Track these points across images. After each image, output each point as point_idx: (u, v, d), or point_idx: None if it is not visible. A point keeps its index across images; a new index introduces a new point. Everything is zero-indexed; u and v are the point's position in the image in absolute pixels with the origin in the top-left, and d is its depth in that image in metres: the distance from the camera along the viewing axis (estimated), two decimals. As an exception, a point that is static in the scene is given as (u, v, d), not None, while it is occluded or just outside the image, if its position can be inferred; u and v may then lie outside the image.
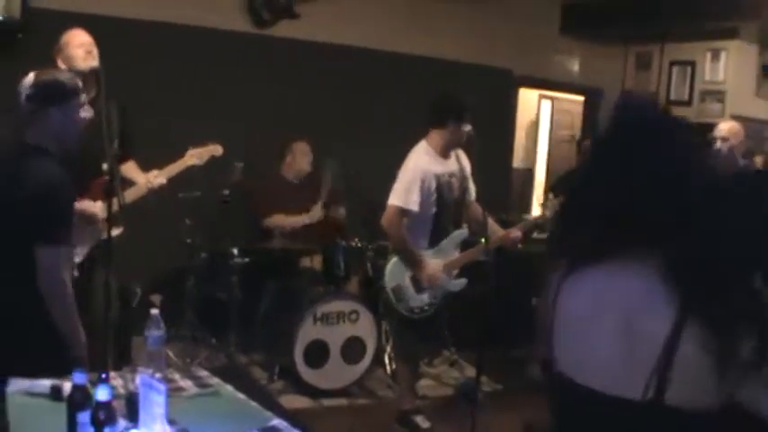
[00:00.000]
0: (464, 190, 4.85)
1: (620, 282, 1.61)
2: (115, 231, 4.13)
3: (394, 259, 4.73)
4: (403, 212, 4.59)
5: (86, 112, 3.30)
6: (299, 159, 6.28)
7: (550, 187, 5.01)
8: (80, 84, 3.29)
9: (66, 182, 3.04)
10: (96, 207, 4.24)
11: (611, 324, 1.59)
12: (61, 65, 4.31)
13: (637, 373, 1.53)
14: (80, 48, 4.28)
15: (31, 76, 3.11)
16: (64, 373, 2.47)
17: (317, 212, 6.05)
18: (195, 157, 4.79)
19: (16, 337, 2.98)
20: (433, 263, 4.69)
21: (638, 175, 1.60)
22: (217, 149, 4.90)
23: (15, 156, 3.10)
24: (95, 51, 4.32)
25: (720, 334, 1.48)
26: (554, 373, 1.73)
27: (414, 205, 4.57)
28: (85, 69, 4.24)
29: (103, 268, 3.87)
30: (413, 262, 4.68)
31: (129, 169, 4.61)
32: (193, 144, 4.82)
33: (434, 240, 4.73)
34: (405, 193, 4.59)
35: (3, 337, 2.98)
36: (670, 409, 1.51)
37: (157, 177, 4.57)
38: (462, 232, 4.81)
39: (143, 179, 4.55)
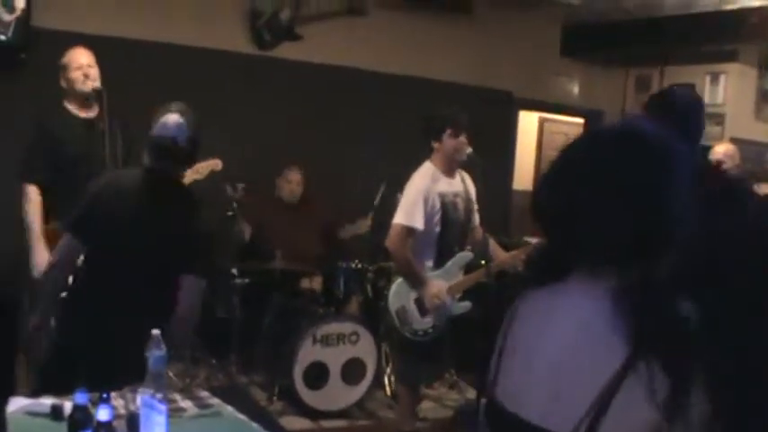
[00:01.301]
0: (469, 212, 4.84)
1: (566, 305, 1.48)
2: None
3: (398, 281, 4.71)
4: (408, 231, 4.56)
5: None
6: (286, 184, 6.36)
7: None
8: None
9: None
10: None
11: (552, 349, 1.46)
12: (63, 84, 4.34)
13: (569, 409, 1.39)
14: (78, 71, 4.31)
15: (179, 118, 3.21)
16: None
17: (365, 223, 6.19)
18: (195, 172, 4.82)
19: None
20: (438, 285, 4.67)
21: (611, 192, 1.42)
22: (216, 164, 4.95)
23: (181, 191, 3.38)
24: (95, 71, 4.35)
25: (673, 377, 1.31)
26: (490, 400, 1.59)
27: (418, 224, 4.54)
28: (86, 91, 4.27)
29: None
30: (417, 283, 4.65)
31: None
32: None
33: (440, 261, 4.70)
34: (409, 211, 4.56)
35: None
36: None
37: None
38: (467, 254, 4.80)
39: None
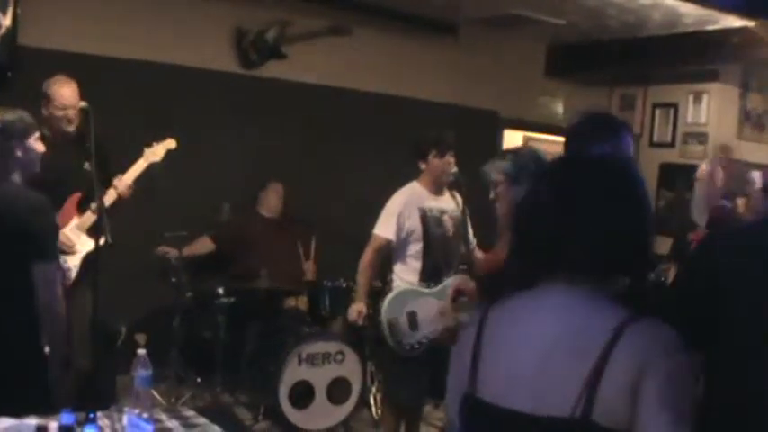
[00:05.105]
0: (459, 230, 4.85)
1: (549, 305, 1.64)
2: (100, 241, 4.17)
3: (393, 293, 4.70)
4: (378, 240, 4.71)
5: (41, 147, 3.37)
6: (272, 199, 6.38)
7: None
8: (33, 120, 3.38)
9: (42, 198, 3.19)
10: (70, 229, 4.43)
11: (540, 342, 1.60)
12: (44, 113, 4.36)
13: (566, 390, 1.53)
14: (61, 111, 4.40)
15: None
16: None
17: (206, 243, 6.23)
18: (153, 155, 4.84)
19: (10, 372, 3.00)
20: (359, 307, 4.84)
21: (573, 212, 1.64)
22: (171, 143, 4.93)
23: None
24: (74, 113, 4.39)
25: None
26: (473, 402, 1.70)
27: (389, 234, 4.67)
28: (69, 132, 4.34)
29: (84, 299, 3.98)
30: (356, 295, 4.92)
31: None
32: (147, 144, 4.90)
33: (426, 276, 4.72)
34: (382, 222, 4.72)
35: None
36: (598, 428, 1.50)
37: (122, 182, 4.60)
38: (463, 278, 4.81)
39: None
